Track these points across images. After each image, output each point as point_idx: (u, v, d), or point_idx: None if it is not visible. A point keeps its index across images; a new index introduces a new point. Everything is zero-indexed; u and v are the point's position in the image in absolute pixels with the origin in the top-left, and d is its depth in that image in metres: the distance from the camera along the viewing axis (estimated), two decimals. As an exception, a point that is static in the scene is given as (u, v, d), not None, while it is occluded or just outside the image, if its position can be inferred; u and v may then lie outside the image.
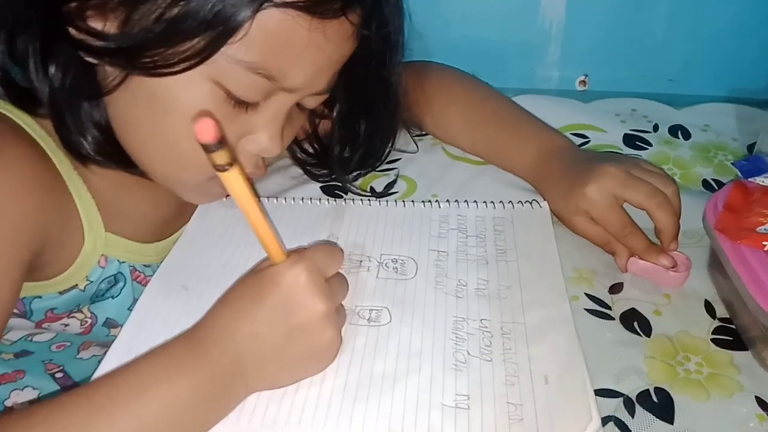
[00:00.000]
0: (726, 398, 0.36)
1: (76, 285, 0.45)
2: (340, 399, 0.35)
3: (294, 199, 0.51)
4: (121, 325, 0.46)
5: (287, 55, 0.37)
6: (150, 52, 0.35)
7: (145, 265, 0.49)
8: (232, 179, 0.31)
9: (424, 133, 0.61)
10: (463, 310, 0.40)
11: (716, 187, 0.54)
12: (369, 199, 0.52)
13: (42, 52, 0.38)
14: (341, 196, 0.53)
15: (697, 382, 0.37)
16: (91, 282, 0.46)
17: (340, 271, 0.43)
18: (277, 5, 0.35)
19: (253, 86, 0.38)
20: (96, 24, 0.36)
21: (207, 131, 0.28)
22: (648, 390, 0.37)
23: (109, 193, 0.45)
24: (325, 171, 0.54)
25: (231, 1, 0.34)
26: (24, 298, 0.44)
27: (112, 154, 0.42)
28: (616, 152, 0.58)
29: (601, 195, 0.45)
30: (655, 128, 0.62)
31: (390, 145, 0.53)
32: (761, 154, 0.52)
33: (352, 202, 0.51)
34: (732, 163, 0.54)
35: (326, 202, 0.51)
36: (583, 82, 0.73)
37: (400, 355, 0.37)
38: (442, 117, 0.58)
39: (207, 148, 0.29)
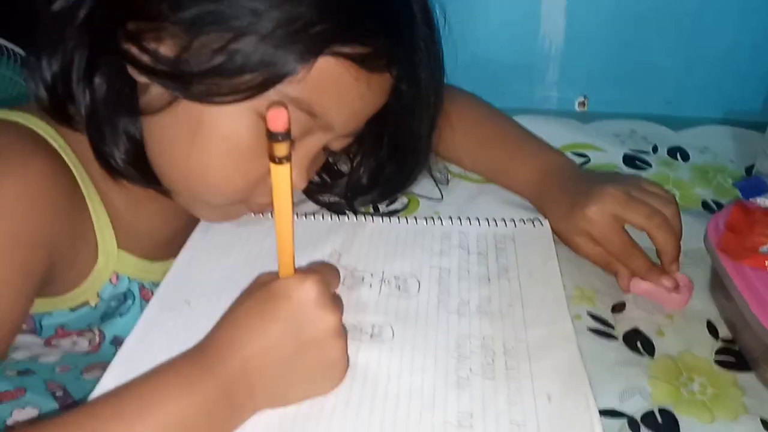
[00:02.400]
0: (731, 420, 0.36)
1: (87, 302, 0.45)
2: (343, 415, 0.34)
3: (297, 214, 0.51)
4: None
5: (332, 98, 0.39)
6: (205, 80, 0.36)
7: (153, 284, 0.49)
8: (283, 174, 0.31)
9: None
10: (466, 328, 0.40)
11: (716, 208, 0.54)
12: (372, 216, 0.52)
13: (89, 62, 0.39)
14: (344, 213, 0.53)
15: (701, 403, 0.37)
16: (102, 299, 0.46)
17: (344, 286, 0.43)
18: (334, 54, 0.37)
19: (296, 123, 0.39)
20: (151, 45, 0.37)
21: (279, 120, 0.29)
22: (652, 411, 0.36)
23: (124, 210, 0.45)
24: (328, 197, 0.54)
25: (294, 45, 0.35)
26: (34, 314, 0.44)
27: (141, 168, 0.42)
28: (616, 172, 0.59)
29: (602, 216, 0.45)
30: (654, 149, 0.63)
31: (407, 186, 0.54)
32: (760, 176, 0.53)
33: (354, 219, 0.51)
34: (733, 184, 0.55)
35: (329, 219, 0.51)
36: (583, 104, 0.74)
37: (403, 372, 0.37)
38: (444, 135, 0.58)
39: (273, 137, 0.29)
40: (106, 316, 0.47)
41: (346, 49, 0.37)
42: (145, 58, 0.37)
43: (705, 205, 0.55)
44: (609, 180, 0.48)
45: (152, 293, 0.48)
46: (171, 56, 0.37)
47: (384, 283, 0.44)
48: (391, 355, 0.38)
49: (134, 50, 0.37)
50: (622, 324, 0.42)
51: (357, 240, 0.48)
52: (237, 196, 0.38)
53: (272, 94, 0.37)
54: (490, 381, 0.37)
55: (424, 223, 0.50)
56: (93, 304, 0.45)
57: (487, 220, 0.50)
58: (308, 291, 0.34)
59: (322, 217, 0.51)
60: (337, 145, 0.44)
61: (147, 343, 0.38)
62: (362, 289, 0.43)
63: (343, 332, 0.35)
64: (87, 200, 0.43)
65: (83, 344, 0.47)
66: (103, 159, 0.41)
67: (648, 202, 0.45)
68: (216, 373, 0.32)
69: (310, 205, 0.54)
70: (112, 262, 0.45)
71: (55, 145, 0.41)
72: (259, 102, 0.37)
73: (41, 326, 0.45)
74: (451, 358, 0.38)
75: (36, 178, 0.38)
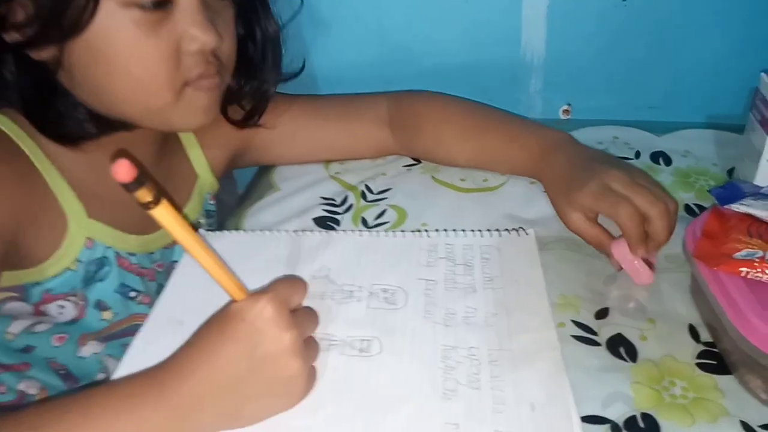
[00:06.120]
0: (711, 423, 0.37)
1: (69, 267, 0.47)
2: (332, 430, 0.35)
3: (286, 231, 0.52)
4: (110, 308, 0.49)
5: None
6: (62, 12, 0.38)
7: (129, 253, 0.51)
8: (163, 214, 0.31)
9: (417, 161, 0.63)
10: (452, 339, 0.41)
11: (698, 212, 0.55)
12: (360, 230, 0.53)
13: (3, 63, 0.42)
14: (333, 228, 0.54)
15: (682, 407, 0.38)
16: (81, 262, 0.48)
17: (333, 301, 0.44)
18: None
19: None
20: (18, 18, 0.40)
21: (124, 171, 0.29)
22: (635, 416, 0.37)
23: (88, 182, 0.47)
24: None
25: None
26: (24, 284, 0.46)
27: (96, 120, 0.45)
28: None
29: (604, 190, 0.46)
30: (637, 155, 0.64)
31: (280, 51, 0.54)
32: (740, 180, 0.54)
33: (343, 233, 0.52)
34: (709, 191, 0.56)
35: (318, 234, 0.52)
36: (567, 111, 0.75)
37: (391, 385, 0.38)
38: (436, 135, 0.60)
39: (128, 188, 0.29)
40: (87, 280, 0.49)
41: None
42: (17, 35, 0.40)
43: (688, 209, 0.56)
44: (611, 163, 0.49)
45: (129, 262, 0.51)
46: (31, 16, 0.39)
47: (372, 297, 0.45)
48: (379, 368, 0.39)
49: (14, 35, 0.40)
50: (606, 330, 0.43)
51: (345, 254, 0.49)
52: (170, 80, 0.41)
53: None
54: (476, 391, 0.37)
55: (411, 235, 0.51)
56: (74, 268, 0.47)
57: (473, 231, 0.51)
58: (261, 311, 0.35)
59: (311, 233, 0.52)
60: None
61: (142, 363, 0.39)
62: (351, 303, 0.44)
63: (299, 349, 0.35)
64: (45, 177, 0.45)
65: (69, 309, 0.49)
66: (58, 137, 0.44)
67: (651, 190, 0.46)
68: (163, 394, 0.34)
69: (299, 222, 0.55)
70: (83, 228, 0.47)
71: (6, 129, 0.43)
72: None
73: (30, 294, 0.47)
74: (438, 370, 0.39)
75: None
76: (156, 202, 0.30)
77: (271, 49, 0.53)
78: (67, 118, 0.44)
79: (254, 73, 0.53)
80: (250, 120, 0.56)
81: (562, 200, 0.49)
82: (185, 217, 0.33)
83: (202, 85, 0.44)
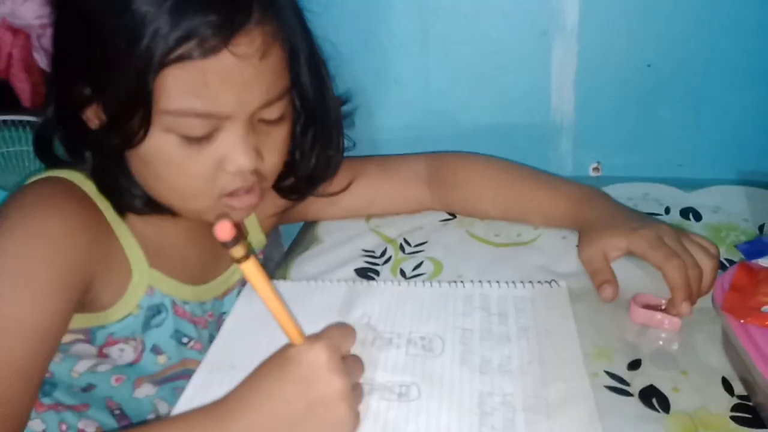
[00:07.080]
0: (746, 476, 0.37)
1: (131, 313, 0.52)
2: (374, 470, 0.37)
3: (330, 281, 0.56)
4: (165, 352, 0.54)
5: (198, 96, 0.43)
6: (119, 129, 0.44)
7: (185, 302, 0.56)
8: (250, 268, 0.36)
9: (452, 216, 0.66)
10: (488, 385, 0.43)
11: (729, 266, 0.56)
12: (399, 281, 0.56)
13: (77, 145, 0.50)
14: (373, 278, 0.57)
15: (718, 460, 0.38)
16: (142, 308, 0.53)
17: (373, 347, 0.47)
18: (165, 65, 0.41)
19: (195, 125, 0.44)
20: (91, 122, 0.46)
21: (225, 231, 0.34)
22: (669, 467, 0.38)
23: (151, 236, 0.53)
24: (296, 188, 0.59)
25: (136, 75, 0.42)
26: (90, 327, 0.51)
27: (148, 205, 0.50)
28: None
29: (658, 240, 0.50)
30: (667, 211, 0.65)
31: (338, 148, 0.58)
32: (763, 237, 0.55)
33: (383, 283, 0.55)
34: (735, 246, 0.57)
35: (359, 284, 0.55)
36: (597, 169, 0.77)
37: (429, 430, 0.40)
38: (472, 189, 0.64)
39: (226, 245, 0.34)
40: (146, 325, 0.53)
41: (177, 52, 0.41)
42: (100, 132, 0.46)
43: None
44: (660, 221, 0.54)
45: (183, 310, 0.56)
46: (100, 123, 0.46)
47: (410, 344, 0.47)
48: (418, 413, 0.41)
49: (100, 134, 0.46)
50: (638, 381, 0.44)
51: (386, 303, 0.52)
52: (207, 192, 0.47)
53: (161, 117, 0.43)
54: (511, 437, 0.39)
55: (448, 286, 0.54)
56: (136, 313, 0.52)
57: (507, 282, 0.54)
58: (316, 356, 0.38)
59: (353, 283, 0.55)
60: (268, 114, 0.47)
61: (196, 404, 0.42)
62: (390, 350, 0.47)
63: (349, 394, 0.38)
64: (115, 231, 0.51)
65: (129, 352, 0.53)
66: (117, 205, 0.50)
67: (670, 245, 0.50)
68: (221, 428, 0.37)
69: (342, 273, 0.58)
70: (145, 277, 0.52)
71: (86, 189, 0.50)
72: (160, 125, 0.44)
73: (95, 336, 0.51)
74: (474, 416, 0.41)
75: (68, 217, 0.47)
76: (247, 257, 0.35)
77: (333, 161, 0.58)
78: (124, 192, 0.50)
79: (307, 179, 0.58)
80: (299, 198, 0.61)
81: (594, 235, 0.53)
82: (264, 270, 0.37)
83: (238, 199, 0.49)
